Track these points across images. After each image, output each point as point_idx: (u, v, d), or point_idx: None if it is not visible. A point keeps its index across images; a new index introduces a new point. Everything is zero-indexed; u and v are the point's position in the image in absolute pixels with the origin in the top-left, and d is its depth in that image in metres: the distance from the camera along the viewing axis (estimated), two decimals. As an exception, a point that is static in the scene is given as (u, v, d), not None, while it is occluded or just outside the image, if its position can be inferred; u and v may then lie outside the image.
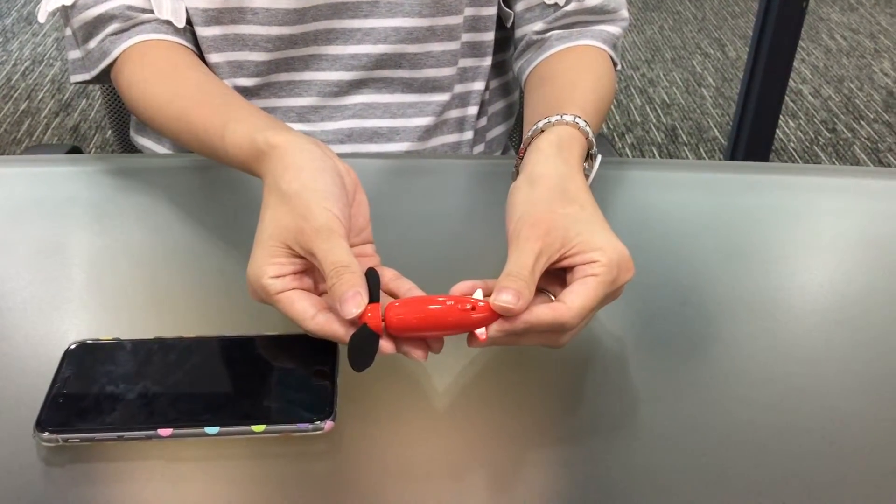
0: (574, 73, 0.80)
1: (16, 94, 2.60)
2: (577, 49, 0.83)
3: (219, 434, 0.50)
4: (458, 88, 0.89)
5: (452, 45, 0.85)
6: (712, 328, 0.61)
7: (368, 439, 0.52)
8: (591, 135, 0.66)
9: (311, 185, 0.55)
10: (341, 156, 0.73)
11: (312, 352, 0.55)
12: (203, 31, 0.80)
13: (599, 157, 0.68)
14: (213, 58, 0.82)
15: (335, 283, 0.51)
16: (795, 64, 2.27)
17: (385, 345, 0.51)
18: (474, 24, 0.87)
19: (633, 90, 2.73)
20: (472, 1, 0.85)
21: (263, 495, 0.48)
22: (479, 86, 0.90)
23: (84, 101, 2.56)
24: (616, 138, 2.48)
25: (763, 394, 0.56)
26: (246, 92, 0.83)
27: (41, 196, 0.74)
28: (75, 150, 0.93)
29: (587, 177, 0.65)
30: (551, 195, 0.58)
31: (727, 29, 3.17)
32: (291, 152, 0.57)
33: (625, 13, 0.87)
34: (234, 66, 0.82)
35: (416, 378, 0.56)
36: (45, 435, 0.49)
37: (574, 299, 0.52)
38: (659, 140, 2.47)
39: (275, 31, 0.81)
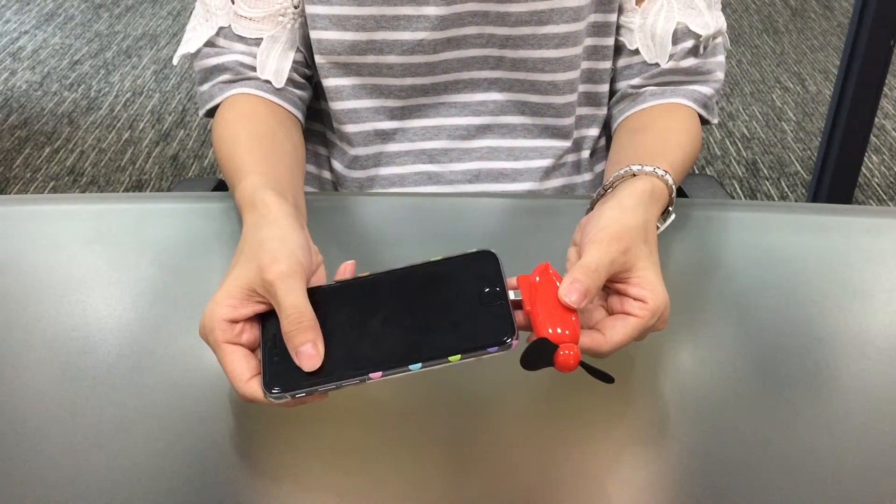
0: (665, 128, 0.85)
1: (118, 124, 2.74)
2: (669, 106, 0.88)
3: (421, 369, 0.54)
4: (575, 135, 0.95)
5: (570, 97, 0.91)
6: (825, 370, 0.65)
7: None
8: (674, 193, 0.72)
9: (284, 235, 0.60)
10: (469, 195, 0.78)
11: (479, 273, 0.58)
12: (336, 82, 0.88)
13: (673, 217, 0.74)
14: (350, 104, 0.89)
15: (293, 331, 0.55)
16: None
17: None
18: (591, 77, 0.92)
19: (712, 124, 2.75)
20: (589, 56, 0.91)
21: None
22: (593, 132, 0.96)
23: (182, 132, 2.70)
24: (696, 171, 2.50)
25: (880, 439, 0.59)
26: (384, 135, 0.91)
27: (193, 232, 0.82)
28: (222, 185, 1.01)
29: (657, 229, 0.70)
30: (637, 226, 0.63)
31: (806, 63, 3.18)
32: (276, 211, 0.63)
33: (719, 75, 0.91)
34: (371, 111, 0.89)
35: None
36: (276, 392, 0.55)
37: (613, 334, 0.58)
38: (740, 174, 2.49)
39: (408, 81, 0.88)
